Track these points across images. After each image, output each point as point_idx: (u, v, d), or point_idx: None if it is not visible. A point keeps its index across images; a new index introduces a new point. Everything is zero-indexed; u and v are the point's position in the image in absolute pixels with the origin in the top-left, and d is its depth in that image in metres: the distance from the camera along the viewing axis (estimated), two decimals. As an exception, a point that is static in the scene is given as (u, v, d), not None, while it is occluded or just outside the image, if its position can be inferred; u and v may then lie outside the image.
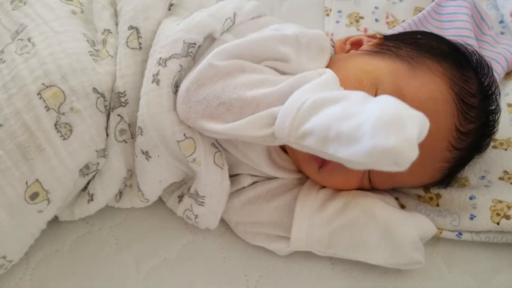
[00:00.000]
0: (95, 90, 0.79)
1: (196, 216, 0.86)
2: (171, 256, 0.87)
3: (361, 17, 1.23)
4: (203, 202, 0.84)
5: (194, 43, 0.81)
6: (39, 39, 0.80)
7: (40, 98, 0.76)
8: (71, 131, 0.77)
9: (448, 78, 0.82)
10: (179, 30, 0.81)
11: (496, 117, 0.89)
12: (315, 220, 0.82)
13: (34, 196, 0.77)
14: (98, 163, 0.82)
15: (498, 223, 0.85)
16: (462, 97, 0.82)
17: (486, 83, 0.87)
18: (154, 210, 0.92)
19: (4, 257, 0.79)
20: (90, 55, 0.81)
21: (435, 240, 0.87)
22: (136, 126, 0.80)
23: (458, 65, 0.85)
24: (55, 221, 0.89)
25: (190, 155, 0.79)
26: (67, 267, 0.86)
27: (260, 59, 0.80)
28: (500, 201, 0.87)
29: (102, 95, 0.80)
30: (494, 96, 0.88)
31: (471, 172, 0.94)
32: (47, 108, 0.76)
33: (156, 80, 0.79)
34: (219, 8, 0.86)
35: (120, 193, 0.88)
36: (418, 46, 0.87)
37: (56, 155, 0.76)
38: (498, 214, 0.85)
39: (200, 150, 0.79)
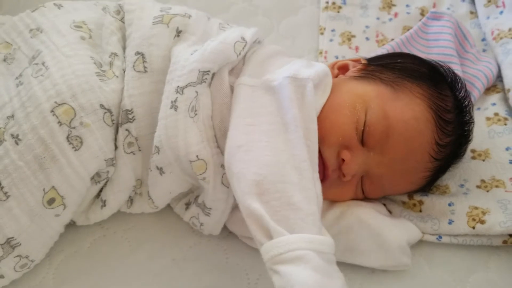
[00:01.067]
0: (102, 106, 0.86)
1: (201, 224, 0.93)
2: (179, 256, 0.94)
3: (353, 36, 1.29)
4: (209, 213, 0.90)
5: (208, 71, 0.87)
6: (52, 63, 0.87)
7: (53, 114, 0.82)
8: (81, 143, 0.84)
9: (426, 98, 0.90)
10: (194, 61, 0.87)
11: (471, 127, 0.96)
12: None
13: (51, 201, 0.84)
14: (108, 171, 0.89)
15: (473, 227, 0.91)
16: (439, 114, 0.89)
17: (460, 98, 0.94)
18: (163, 215, 0.98)
19: (27, 257, 0.86)
20: (97, 75, 0.87)
21: (418, 242, 0.93)
22: (153, 146, 0.87)
23: (435, 84, 0.92)
24: (73, 226, 0.96)
25: (201, 174, 0.86)
26: (85, 266, 0.92)
27: None
28: (476, 208, 0.93)
29: (109, 111, 0.87)
30: (467, 109, 0.95)
31: (452, 180, 1.01)
32: (60, 123, 0.83)
33: (174, 107, 0.86)
34: (226, 36, 0.92)
35: (131, 200, 0.96)
36: (399, 69, 0.93)
37: (69, 165, 0.83)
38: (473, 219, 0.92)
39: (210, 171, 0.86)
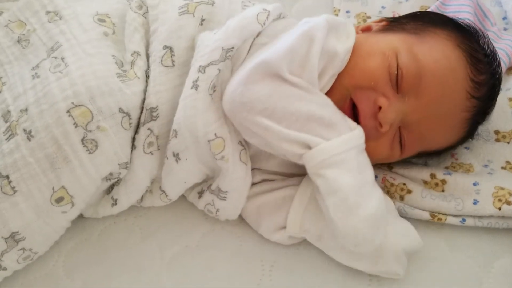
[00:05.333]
0: (121, 110, 0.84)
1: (218, 210, 0.91)
2: (192, 243, 0.92)
3: (369, 17, 1.27)
4: (225, 197, 0.88)
5: (232, 47, 0.85)
6: (71, 60, 0.85)
7: (70, 115, 0.81)
8: (96, 146, 0.82)
9: (453, 38, 0.89)
10: (217, 39, 0.85)
11: (500, 73, 0.94)
12: (311, 206, 0.86)
13: (60, 200, 0.83)
14: (120, 173, 0.88)
15: (499, 209, 0.88)
16: (469, 52, 0.88)
17: (485, 44, 0.93)
18: (175, 202, 0.96)
19: (30, 250, 0.84)
20: (117, 76, 0.85)
21: (439, 225, 0.91)
22: (171, 130, 0.85)
23: (458, 29, 0.92)
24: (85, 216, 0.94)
25: (219, 152, 0.84)
26: (96, 254, 0.91)
27: None
28: (502, 188, 0.90)
29: (128, 114, 0.85)
30: (495, 54, 0.93)
31: (475, 160, 0.98)
32: (76, 125, 0.81)
33: (195, 86, 0.84)
34: (248, 11, 0.90)
35: (142, 198, 0.94)
36: (421, 18, 0.94)
37: (81, 167, 0.82)
38: (500, 200, 0.89)
39: (228, 148, 0.84)
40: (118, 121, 0.84)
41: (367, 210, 0.76)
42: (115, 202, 0.91)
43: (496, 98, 0.95)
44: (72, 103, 0.81)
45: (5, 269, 0.84)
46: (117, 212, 0.93)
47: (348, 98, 0.86)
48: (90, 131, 0.81)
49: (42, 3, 0.93)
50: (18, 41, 0.91)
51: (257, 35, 0.90)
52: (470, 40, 0.91)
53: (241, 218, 0.95)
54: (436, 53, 0.87)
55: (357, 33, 0.97)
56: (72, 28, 0.89)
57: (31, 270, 0.89)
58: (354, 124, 0.82)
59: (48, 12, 0.92)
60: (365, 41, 0.90)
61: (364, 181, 0.78)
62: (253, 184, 0.92)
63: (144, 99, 0.87)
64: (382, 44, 0.89)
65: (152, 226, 0.95)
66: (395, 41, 0.89)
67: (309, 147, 0.78)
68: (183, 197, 0.97)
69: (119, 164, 0.85)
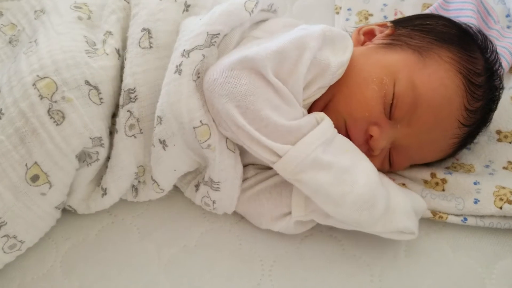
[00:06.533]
0: (87, 82, 0.84)
1: (214, 202, 0.90)
2: (190, 243, 0.91)
3: (370, 15, 1.26)
4: (218, 188, 0.88)
5: (218, 34, 0.86)
6: (43, 40, 0.87)
7: (35, 88, 0.81)
8: (63, 117, 0.82)
9: (456, 62, 0.87)
10: (202, 24, 0.86)
11: (500, 92, 0.93)
12: None
13: (35, 178, 0.82)
14: (97, 152, 0.87)
15: (501, 208, 0.87)
16: (470, 78, 0.87)
17: (490, 60, 0.92)
18: (172, 201, 0.96)
19: (15, 237, 0.84)
20: (86, 52, 0.86)
21: (441, 226, 0.90)
22: (156, 117, 0.85)
23: (465, 46, 0.90)
24: (79, 214, 0.93)
25: (205, 141, 0.83)
26: (93, 254, 0.90)
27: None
28: (504, 187, 0.89)
29: (95, 88, 0.85)
30: (498, 72, 0.92)
31: (477, 160, 0.97)
32: (41, 97, 0.81)
33: (178, 71, 0.83)
34: None
35: (136, 190, 0.93)
36: (427, 32, 0.91)
37: (50, 139, 0.81)
38: (501, 199, 0.88)
39: (214, 136, 0.83)
40: (85, 93, 0.84)
41: (355, 192, 0.78)
42: (104, 192, 0.91)
43: (491, 118, 0.95)
44: (38, 75, 0.82)
45: None
46: (109, 204, 0.93)
47: (343, 124, 0.87)
48: (56, 101, 0.82)
49: (31, 4, 0.96)
50: (10, 42, 0.94)
51: (253, 28, 0.90)
52: (474, 62, 0.89)
53: (240, 217, 0.94)
54: (434, 82, 0.86)
55: (358, 36, 0.96)
56: (51, 16, 0.91)
57: (28, 271, 0.88)
58: (321, 114, 0.84)
59: (35, 11, 0.95)
60: (363, 59, 0.89)
61: (342, 168, 0.80)
62: (247, 178, 0.92)
63: (116, 77, 0.88)
64: (382, 67, 0.87)
65: (149, 225, 0.94)
66: (396, 63, 0.88)
67: (278, 155, 0.80)
68: (181, 196, 0.97)
69: (91, 138, 0.85)
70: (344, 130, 0.87)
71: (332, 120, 0.85)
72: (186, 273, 0.88)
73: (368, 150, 0.87)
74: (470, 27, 0.94)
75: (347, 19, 1.26)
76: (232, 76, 0.79)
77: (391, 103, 0.85)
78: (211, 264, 0.89)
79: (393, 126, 0.87)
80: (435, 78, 0.86)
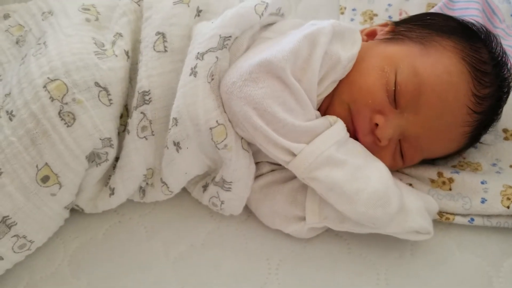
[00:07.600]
0: (97, 84, 0.85)
1: (222, 202, 0.90)
2: (197, 242, 0.92)
3: (375, 15, 1.26)
4: (230, 188, 0.88)
5: (230, 36, 0.87)
6: (51, 42, 0.88)
7: (46, 90, 0.82)
8: (74, 119, 0.82)
9: (459, 50, 0.88)
10: (214, 27, 0.87)
11: (510, 82, 0.93)
12: None
13: (45, 179, 0.82)
14: (107, 153, 0.87)
15: (508, 207, 0.87)
16: (474, 65, 0.87)
17: (496, 51, 0.91)
18: (179, 200, 0.96)
19: (24, 237, 0.84)
20: (95, 54, 0.87)
21: (448, 226, 0.90)
22: (171, 118, 0.85)
23: (467, 37, 0.90)
24: (87, 213, 0.94)
25: (222, 141, 0.84)
26: (101, 253, 0.91)
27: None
28: (511, 186, 0.89)
29: (105, 89, 0.86)
30: (505, 62, 0.92)
31: (483, 159, 0.97)
32: (52, 99, 0.82)
33: (193, 73, 0.85)
34: (246, 2, 0.91)
35: (143, 191, 0.94)
36: (427, 26, 0.92)
37: (61, 141, 0.82)
38: (508, 199, 0.88)
39: (231, 135, 0.84)
40: (95, 94, 0.84)
41: (370, 189, 0.79)
42: (112, 192, 0.91)
43: (502, 108, 0.94)
44: (48, 77, 0.83)
45: (1, 258, 0.83)
46: (116, 204, 0.93)
47: (349, 113, 0.88)
48: (66, 103, 0.82)
49: (39, 6, 0.98)
50: (17, 42, 0.96)
51: (263, 30, 0.91)
52: (478, 50, 0.89)
53: (246, 216, 0.94)
54: (438, 68, 0.86)
55: (361, 37, 0.96)
56: (59, 18, 0.93)
57: (37, 270, 0.89)
58: (334, 118, 0.85)
59: (43, 13, 0.96)
60: (367, 52, 0.90)
61: (356, 166, 0.81)
62: (262, 174, 0.93)
63: (125, 78, 0.89)
64: (383, 57, 0.89)
65: (157, 225, 0.95)
66: (397, 54, 0.89)
67: (293, 154, 0.81)
68: (187, 195, 0.97)
69: (101, 140, 0.85)
70: (350, 120, 0.87)
71: (338, 110, 0.87)
72: (193, 272, 0.88)
73: (375, 140, 0.87)
74: (473, 23, 0.94)
75: (352, 19, 1.26)
76: (250, 79, 0.81)
77: (394, 91, 0.85)
78: (218, 263, 0.89)
79: (400, 115, 0.87)
80: (438, 64, 0.86)
